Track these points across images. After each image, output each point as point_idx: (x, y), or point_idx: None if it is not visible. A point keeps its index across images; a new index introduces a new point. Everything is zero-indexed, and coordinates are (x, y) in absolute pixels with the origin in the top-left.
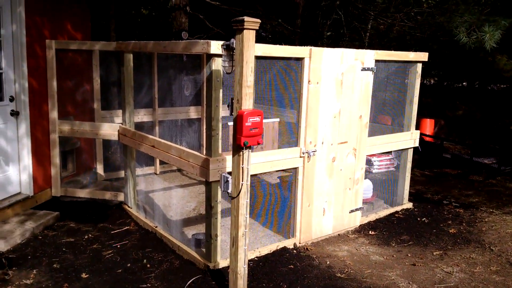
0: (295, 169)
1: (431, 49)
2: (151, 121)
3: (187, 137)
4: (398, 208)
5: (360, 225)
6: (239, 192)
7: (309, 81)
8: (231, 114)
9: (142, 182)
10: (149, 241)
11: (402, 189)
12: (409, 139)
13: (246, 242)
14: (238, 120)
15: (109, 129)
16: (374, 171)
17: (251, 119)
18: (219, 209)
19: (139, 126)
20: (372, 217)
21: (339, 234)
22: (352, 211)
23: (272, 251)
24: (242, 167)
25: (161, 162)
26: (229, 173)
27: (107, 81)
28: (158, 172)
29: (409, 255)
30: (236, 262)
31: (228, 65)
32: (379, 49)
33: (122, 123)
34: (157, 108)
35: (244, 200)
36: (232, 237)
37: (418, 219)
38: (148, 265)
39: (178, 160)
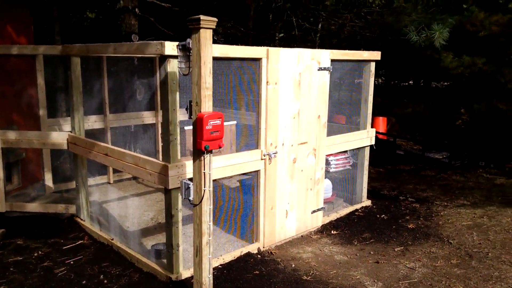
0: (257, 172)
1: (380, 49)
2: (103, 127)
3: (142, 144)
4: (358, 206)
5: (322, 225)
6: (202, 198)
7: (267, 82)
8: (190, 118)
9: (95, 192)
10: (105, 255)
11: (361, 187)
12: (365, 137)
13: (210, 251)
14: (198, 124)
15: (58, 138)
16: (331, 170)
17: (211, 122)
18: (180, 218)
19: (90, 133)
20: (333, 216)
21: (302, 236)
22: (314, 211)
23: (236, 257)
24: (204, 172)
25: (115, 171)
26: (190, 179)
27: (53, 87)
28: (112, 181)
29: (372, 252)
30: (200, 272)
31: (185, 66)
32: (330, 49)
33: (71, 131)
34: (108, 113)
35: (207, 206)
36: (196, 246)
37: (378, 216)
38: (106, 281)
39: (134, 168)
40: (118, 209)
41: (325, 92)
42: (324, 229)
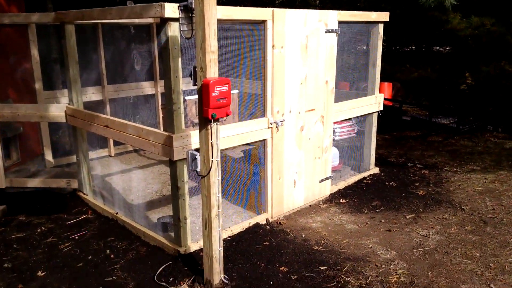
0: (264, 141)
1: (385, 11)
2: (101, 99)
3: (142, 115)
4: (366, 174)
5: (331, 194)
6: (210, 170)
7: (273, 46)
8: (194, 84)
9: (97, 166)
10: (110, 229)
11: (369, 154)
12: (374, 103)
13: (220, 223)
14: (204, 91)
15: (55, 110)
16: (336, 138)
17: (218, 89)
18: (187, 190)
19: (88, 105)
20: (342, 185)
21: (310, 205)
22: (322, 180)
23: (244, 228)
24: (211, 142)
25: (116, 143)
26: (197, 150)
27: (48, 58)
28: (113, 154)
29: (383, 221)
30: (210, 245)
31: (187, 28)
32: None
33: (69, 103)
34: (106, 85)
35: (215, 178)
36: (205, 218)
37: (386, 183)
38: (112, 256)
39: (136, 140)
40: (121, 183)
41: (332, 56)
42: (333, 198)
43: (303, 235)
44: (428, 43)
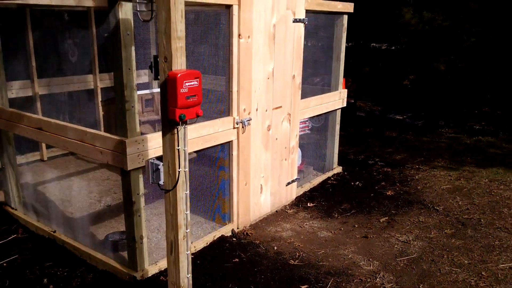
0: (229, 143)
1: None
2: (30, 95)
3: (78, 114)
4: (330, 174)
5: (297, 197)
6: (176, 182)
7: (239, 36)
8: (156, 78)
9: (27, 173)
10: (47, 252)
11: (332, 153)
12: (338, 99)
13: (188, 246)
14: (170, 86)
15: None
16: None
17: (187, 84)
18: (142, 204)
19: (14, 103)
20: (307, 186)
21: (277, 211)
22: (288, 183)
23: (208, 243)
24: (178, 149)
25: (50, 145)
26: (158, 158)
27: None
28: (45, 158)
29: (356, 225)
30: (177, 273)
31: (146, 9)
32: None
33: None
34: (37, 79)
35: (183, 192)
36: (170, 241)
37: (352, 183)
38: (51, 286)
39: (79, 146)
40: (58, 193)
41: (300, 48)
42: (299, 202)
43: (275, 248)
44: (380, 38)
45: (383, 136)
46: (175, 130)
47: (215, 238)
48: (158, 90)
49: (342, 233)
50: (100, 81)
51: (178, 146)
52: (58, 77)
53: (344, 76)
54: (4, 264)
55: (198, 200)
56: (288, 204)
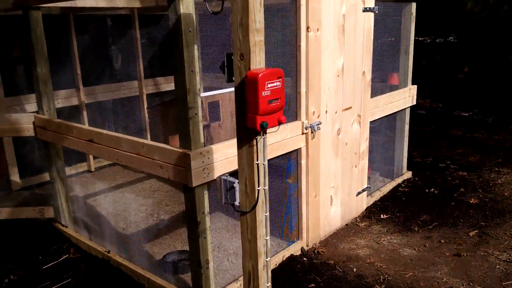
0: (297, 151)
1: None
2: (76, 105)
3: (123, 122)
4: (399, 180)
5: (367, 208)
6: (256, 203)
7: (307, 28)
8: (229, 80)
9: (75, 185)
10: (102, 274)
11: (401, 156)
12: (408, 96)
13: (268, 277)
14: (249, 89)
15: (21, 122)
16: None
17: (269, 85)
18: (208, 224)
19: (59, 113)
20: (376, 195)
21: (347, 224)
22: (359, 193)
23: (277, 264)
24: (257, 164)
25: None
26: (231, 174)
27: (8, 57)
28: (93, 169)
29: (443, 241)
30: None
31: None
32: None
33: (38, 112)
34: (82, 87)
35: (262, 214)
36: (248, 271)
37: (426, 190)
38: None
39: (135, 159)
40: (107, 206)
41: (370, 41)
42: (371, 213)
43: (354, 269)
44: (439, 30)
45: (448, 135)
46: (254, 141)
47: (284, 259)
48: (206, 94)
49: (428, 251)
50: (146, 87)
51: (257, 160)
52: (102, 85)
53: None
54: None
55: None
56: (359, 216)
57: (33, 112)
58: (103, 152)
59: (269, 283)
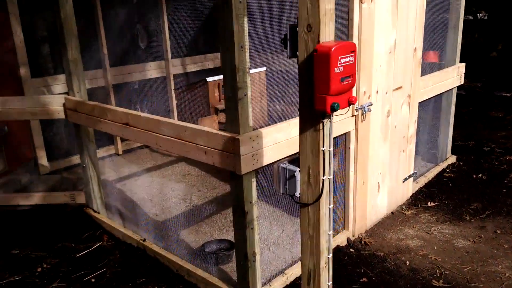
0: (345, 134)
1: None
2: (103, 86)
3: (150, 104)
4: (444, 165)
5: (412, 195)
6: (320, 195)
7: (361, 0)
8: (291, 56)
9: (103, 169)
10: (138, 264)
11: (446, 140)
12: (456, 75)
13: (330, 275)
14: (319, 65)
15: (51, 104)
16: None
17: (342, 60)
18: (256, 214)
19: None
20: (421, 181)
21: (392, 213)
22: (405, 179)
23: None
24: (323, 151)
25: (123, 138)
26: (291, 162)
27: (34, 37)
28: (120, 152)
29: (499, 231)
30: None
31: None
32: None
33: (68, 93)
34: (109, 67)
35: (326, 207)
36: (308, 269)
37: (474, 176)
38: None
39: (175, 144)
40: (138, 190)
41: (422, 14)
42: (416, 200)
43: (407, 262)
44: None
45: (488, 117)
46: (321, 124)
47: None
48: None
49: (484, 242)
50: (173, 68)
51: (323, 147)
52: (129, 65)
53: (436, 49)
54: (92, 280)
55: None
56: (404, 203)
57: (61, 93)
58: (140, 136)
59: (331, 282)
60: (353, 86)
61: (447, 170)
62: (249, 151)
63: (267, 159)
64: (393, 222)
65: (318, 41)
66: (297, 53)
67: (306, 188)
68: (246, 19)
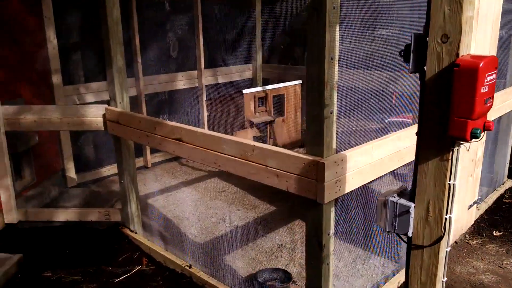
0: None
1: None
2: (134, 95)
3: (180, 116)
4: (502, 190)
5: (474, 223)
6: (443, 235)
7: None
8: (415, 71)
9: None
10: None
11: (503, 162)
12: None
13: None
14: (461, 82)
15: (88, 114)
16: None
17: (489, 78)
18: (332, 247)
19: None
20: (482, 207)
21: (456, 242)
22: (470, 206)
23: None
24: (449, 185)
25: (154, 150)
26: (400, 194)
27: (66, 42)
28: (149, 165)
29: None
30: None
31: None
32: None
33: (109, 103)
34: (142, 76)
35: (444, 251)
36: None
37: None
38: None
39: (239, 165)
40: (172, 207)
41: (497, 28)
42: (479, 229)
43: None
44: None
45: None
46: (450, 153)
47: (399, 284)
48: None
49: None
50: (205, 78)
51: (449, 180)
52: (161, 74)
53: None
54: None
55: (365, 232)
56: (467, 232)
57: (90, 103)
58: (195, 154)
59: None
60: (491, 107)
61: (506, 196)
62: (333, 177)
63: (349, 186)
64: (459, 253)
65: (457, 54)
66: (424, 67)
67: (423, 227)
68: (338, 28)
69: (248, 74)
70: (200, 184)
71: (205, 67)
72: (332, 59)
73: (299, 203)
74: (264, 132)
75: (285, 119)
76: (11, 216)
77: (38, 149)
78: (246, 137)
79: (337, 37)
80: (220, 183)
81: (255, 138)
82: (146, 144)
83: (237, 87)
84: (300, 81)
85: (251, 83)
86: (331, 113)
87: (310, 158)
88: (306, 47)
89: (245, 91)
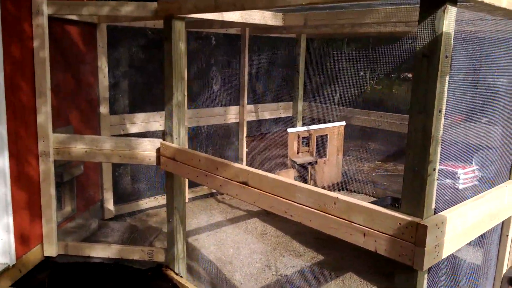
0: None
1: None
2: None
3: (218, 151)
4: None
5: None
6: None
7: None
8: None
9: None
10: None
11: None
12: None
13: None
14: None
15: (142, 148)
16: (460, 187)
17: None
18: None
19: (152, 135)
20: None
21: None
22: None
23: None
24: None
25: (191, 184)
26: None
27: (114, 72)
28: (187, 200)
29: None
30: None
31: None
32: None
33: (164, 138)
34: (187, 109)
35: None
36: None
37: None
38: None
39: (316, 217)
40: (213, 248)
41: None
42: None
43: None
44: None
45: None
46: None
47: None
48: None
49: None
50: (247, 114)
51: None
52: (203, 108)
53: None
54: None
55: None
56: None
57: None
58: (263, 200)
59: None
60: None
61: None
62: (433, 242)
63: (446, 251)
64: None
65: None
66: None
67: None
68: (447, 78)
69: (288, 112)
70: (239, 224)
71: (249, 103)
72: (440, 111)
73: (374, 261)
74: (305, 172)
75: (326, 160)
76: (52, 249)
77: (82, 180)
78: (288, 177)
79: (446, 87)
80: (261, 225)
81: (296, 178)
82: (205, 184)
83: (274, 124)
84: (343, 122)
85: (291, 121)
86: (434, 170)
87: (408, 218)
88: (411, 96)
89: (289, 130)
